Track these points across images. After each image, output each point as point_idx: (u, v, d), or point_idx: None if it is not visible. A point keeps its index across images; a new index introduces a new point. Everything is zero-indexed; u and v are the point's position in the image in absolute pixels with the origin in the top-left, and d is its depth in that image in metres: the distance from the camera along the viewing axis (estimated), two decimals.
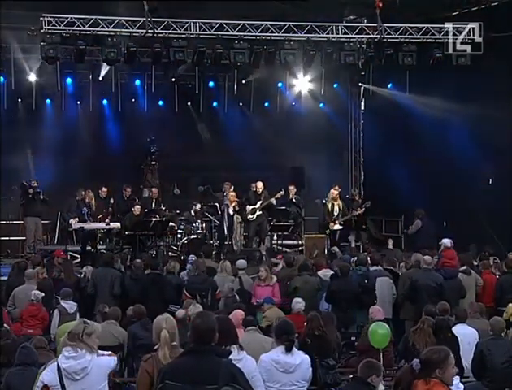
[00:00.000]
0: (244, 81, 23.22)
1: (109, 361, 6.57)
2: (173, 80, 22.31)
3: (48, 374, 6.54)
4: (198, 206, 21.04)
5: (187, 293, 14.00)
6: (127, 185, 21.43)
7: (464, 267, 14.56)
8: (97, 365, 6.48)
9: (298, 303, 12.53)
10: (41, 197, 20.18)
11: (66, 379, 6.45)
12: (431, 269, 14.12)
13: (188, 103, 23.75)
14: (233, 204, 20.40)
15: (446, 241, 14.82)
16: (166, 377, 5.89)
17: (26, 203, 20.26)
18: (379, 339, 10.93)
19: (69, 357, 6.48)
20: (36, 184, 20.15)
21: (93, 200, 20.48)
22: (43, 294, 13.23)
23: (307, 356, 8.35)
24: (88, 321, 6.89)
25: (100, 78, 21.90)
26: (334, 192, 20.88)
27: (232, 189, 21.19)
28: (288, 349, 8.17)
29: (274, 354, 8.26)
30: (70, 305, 12.99)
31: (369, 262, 15.40)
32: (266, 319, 12.36)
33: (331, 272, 14.84)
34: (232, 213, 20.33)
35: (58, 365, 6.48)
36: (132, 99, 23.26)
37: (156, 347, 7.34)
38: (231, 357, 6.03)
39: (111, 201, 20.96)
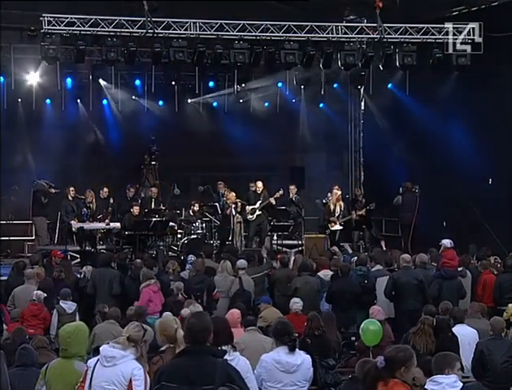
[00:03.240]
0: (243, 85, 23.19)
1: (134, 367, 6.58)
2: (173, 83, 22.26)
3: (94, 358, 6.70)
4: (196, 207, 21.08)
5: (183, 294, 14.02)
6: (131, 185, 21.48)
7: (460, 269, 14.58)
8: (126, 363, 6.51)
9: (296, 303, 12.52)
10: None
11: (99, 363, 6.55)
12: (411, 266, 14.11)
13: (189, 100, 23.73)
14: (233, 205, 20.43)
15: (446, 242, 14.80)
16: (162, 378, 5.90)
17: (40, 203, 20.33)
18: (370, 336, 10.93)
19: (111, 345, 6.59)
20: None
21: (94, 200, 20.52)
22: (45, 295, 13.25)
23: (308, 356, 8.35)
24: (144, 325, 6.93)
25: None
26: (337, 192, 20.92)
27: (226, 188, 21.27)
28: (292, 349, 8.17)
29: (275, 354, 8.25)
30: (68, 305, 12.99)
31: (369, 261, 15.45)
32: (262, 319, 12.36)
33: (331, 273, 14.84)
34: (234, 213, 20.38)
35: (100, 350, 6.62)
36: (132, 99, 23.24)
37: (163, 348, 7.36)
38: None
39: (111, 201, 20.98)
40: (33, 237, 21.37)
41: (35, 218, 20.67)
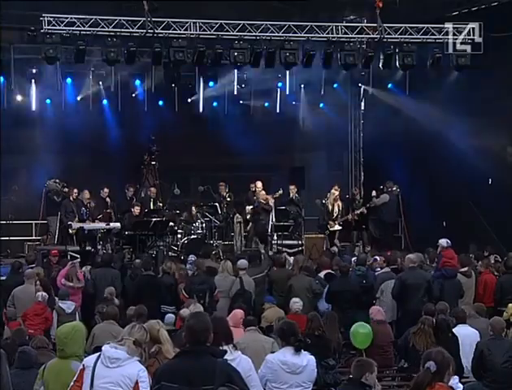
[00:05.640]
0: (243, 86, 23.19)
1: (139, 369, 6.56)
2: (173, 83, 22.25)
3: (90, 357, 6.67)
4: (194, 209, 21.12)
5: (185, 294, 14.03)
6: (129, 185, 21.47)
7: (465, 269, 14.54)
8: (131, 365, 6.50)
9: (296, 303, 12.50)
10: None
11: (100, 362, 6.50)
12: (417, 267, 14.04)
13: (189, 100, 23.74)
14: (264, 202, 20.59)
15: (443, 241, 14.78)
16: (162, 378, 5.89)
17: (54, 202, 20.35)
18: (361, 339, 10.94)
19: (113, 346, 6.57)
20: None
21: (92, 200, 20.52)
22: (47, 296, 13.27)
23: (313, 357, 8.33)
24: (144, 325, 6.95)
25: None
26: (335, 192, 20.95)
27: (227, 190, 21.33)
28: (299, 350, 8.15)
29: (281, 355, 8.22)
30: (67, 305, 12.99)
31: (378, 263, 15.47)
32: (265, 319, 12.34)
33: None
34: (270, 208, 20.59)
35: (102, 350, 6.57)
36: (132, 99, 23.23)
37: (153, 350, 7.40)
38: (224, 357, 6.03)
39: (110, 201, 20.98)
40: (35, 237, 21.44)
41: (49, 218, 20.73)
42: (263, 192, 20.90)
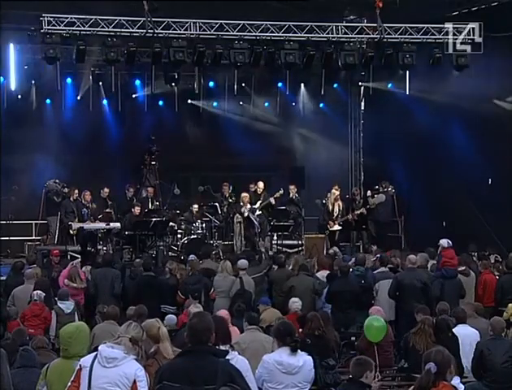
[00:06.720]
0: (243, 85, 23.19)
1: (137, 368, 6.56)
2: (173, 83, 22.25)
3: (87, 357, 6.66)
4: (196, 208, 21.12)
5: (180, 294, 14.04)
6: (130, 185, 21.49)
7: (463, 268, 14.54)
8: (128, 364, 6.48)
9: (295, 303, 12.50)
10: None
11: (97, 362, 6.48)
12: (416, 268, 14.03)
13: (189, 101, 23.73)
14: (247, 205, 20.50)
15: (443, 241, 14.78)
16: (164, 377, 5.90)
17: (54, 203, 20.38)
18: (374, 332, 10.92)
19: (110, 345, 6.56)
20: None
21: (92, 200, 20.53)
22: (44, 294, 13.24)
23: (310, 357, 8.31)
24: (140, 324, 6.99)
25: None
26: (335, 192, 20.94)
27: (230, 190, 21.32)
28: (295, 350, 8.13)
29: (277, 355, 8.20)
30: (66, 305, 12.97)
31: (377, 263, 15.48)
32: (263, 321, 12.31)
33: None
34: (246, 214, 20.39)
35: (99, 350, 6.56)
36: (132, 99, 23.23)
37: (152, 350, 7.40)
38: None
39: (110, 201, 20.98)
40: (35, 237, 21.45)
41: (49, 218, 20.73)
42: (246, 194, 20.75)
